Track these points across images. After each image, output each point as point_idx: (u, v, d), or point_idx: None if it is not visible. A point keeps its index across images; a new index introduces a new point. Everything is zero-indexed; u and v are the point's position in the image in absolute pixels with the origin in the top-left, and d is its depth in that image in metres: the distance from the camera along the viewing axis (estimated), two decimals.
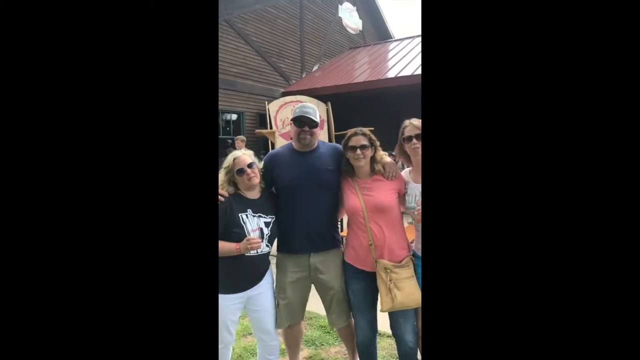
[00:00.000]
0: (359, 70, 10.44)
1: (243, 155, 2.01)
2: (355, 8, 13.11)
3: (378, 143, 2.07)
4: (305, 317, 2.43)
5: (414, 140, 1.95)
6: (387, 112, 9.65)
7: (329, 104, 8.96)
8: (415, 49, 10.48)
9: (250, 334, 2.92)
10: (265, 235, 2.00)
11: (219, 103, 7.90)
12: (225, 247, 1.87)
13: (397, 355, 2.12)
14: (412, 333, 2.00)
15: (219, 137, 8.17)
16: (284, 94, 9.81)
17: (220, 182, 2.01)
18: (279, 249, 2.18)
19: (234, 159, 1.99)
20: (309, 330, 2.99)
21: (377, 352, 2.23)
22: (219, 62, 7.45)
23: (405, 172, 2.13)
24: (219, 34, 8.16)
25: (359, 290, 2.07)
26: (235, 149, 6.69)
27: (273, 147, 8.10)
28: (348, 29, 12.88)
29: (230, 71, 8.70)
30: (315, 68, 11.45)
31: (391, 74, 9.20)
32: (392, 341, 2.29)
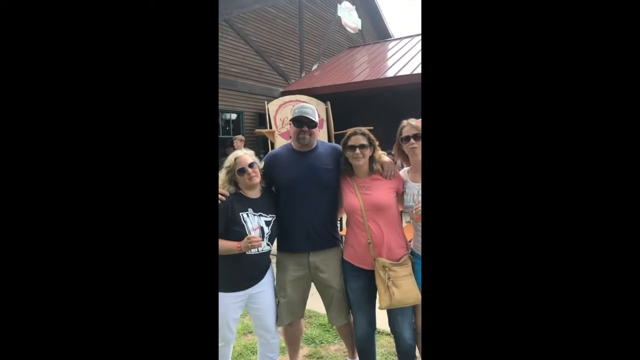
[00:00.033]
0: (358, 69, 10.44)
1: (244, 155, 2.03)
2: (354, 7, 13.09)
3: (377, 143, 2.09)
4: (305, 316, 2.45)
5: (412, 141, 1.98)
6: (386, 111, 9.66)
7: (328, 103, 8.97)
8: (414, 48, 10.48)
9: (251, 332, 2.94)
10: (265, 234, 2.02)
11: (219, 103, 7.90)
12: (226, 245, 1.90)
13: (396, 353, 2.15)
14: (410, 330, 2.02)
15: (219, 136, 8.18)
16: (284, 94, 9.80)
17: (221, 182, 2.03)
18: (279, 248, 2.20)
19: (236, 159, 2.01)
20: (308, 328, 3.01)
21: (376, 349, 2.26)
22: (218, 62, 7.46)
23: (404, 172, 2.15)
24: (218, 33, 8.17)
25: (357, 288, 2.09)
26: (234, 148, 6.69)
27: (273, 147, 8.11)
28: (347, 28, 12.87)
29: (230, 71, 8.70)
30: (314, 67, 11.45)
31: (390, 73, 9.20)
32: (391, 339, 2.31)
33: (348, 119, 8.99)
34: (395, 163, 2.25)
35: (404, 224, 2.20)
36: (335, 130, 8.64)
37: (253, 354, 2.68)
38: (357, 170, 2.08)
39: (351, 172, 2.09)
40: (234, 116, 9.08)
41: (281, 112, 8.68)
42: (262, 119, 9.26)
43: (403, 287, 1.91)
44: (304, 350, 2.70)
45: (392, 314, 2.04)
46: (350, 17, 12.93)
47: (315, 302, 2.43)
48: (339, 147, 2.16)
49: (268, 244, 2.05)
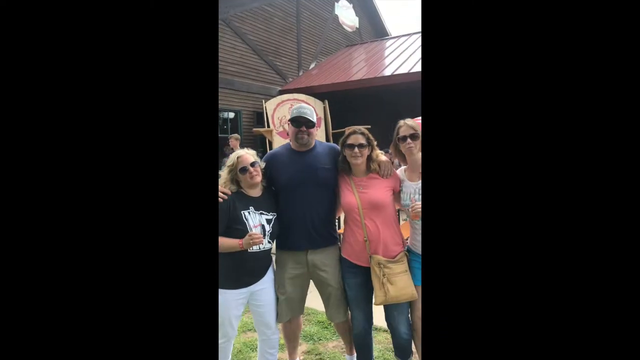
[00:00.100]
0: (356, 67, 10.46)
1: (246, 154, 2.07)
2: (351, 5, 13.10)
3: (375, 142, 2.12)
4: (303, 313, 2.49)
5: (409, 140, 2.01)
6: (384, 109, 9.69)
7: (326, 101, 8.98)
8: (412, 46, 10.50)
9: (250, 330, 2.97)
10: (266, 232, 2.06)
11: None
12: (228, 243, 1.93)
13: (393, 348, 2.19)
14: (405, 325, 2.07)
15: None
16: (281, 92, 9.81)
17: (223, 180, 2.07)
18: (278, 246, 2.24)
19: (238, 158, 2.05)
20: (307, 325, 3.04)
21: (374, 345, 2.29)
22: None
23: (401, 171, 2.18)
24: None
25: (355, 284, 2.13)
26: (230, 147, 6.60)
27: (271, 146, 8.12)
28: (345, 27, 12.88)
29: (227, 70, 8.71)
30: (312, 66, 11.45)
31: (388, 71, 9.22)
32: (388, 335, 2.35)
33: (346, 118, 9.02)
34: (392, 162, 2.29)
35: (401, 222, 2.23)
36: (333, 129, 8.66)
37: (252, 351, 2.71)
38: (354, 168, 2.11)
39: (349, 171, 2.13)
40: (231, 115, 9.09)
41: (279, 110, 8.69)
42: (259, 118, 9.27)
43: (398, 284, 1.95)
44: (302, 347, 2.73)
45: (389, 309, 2.08)
46: (347, 16, 12.94)
47: (313, 300, 2.47)
48: (337, 146, 2.19)
49: (269, 242, 2.09)
